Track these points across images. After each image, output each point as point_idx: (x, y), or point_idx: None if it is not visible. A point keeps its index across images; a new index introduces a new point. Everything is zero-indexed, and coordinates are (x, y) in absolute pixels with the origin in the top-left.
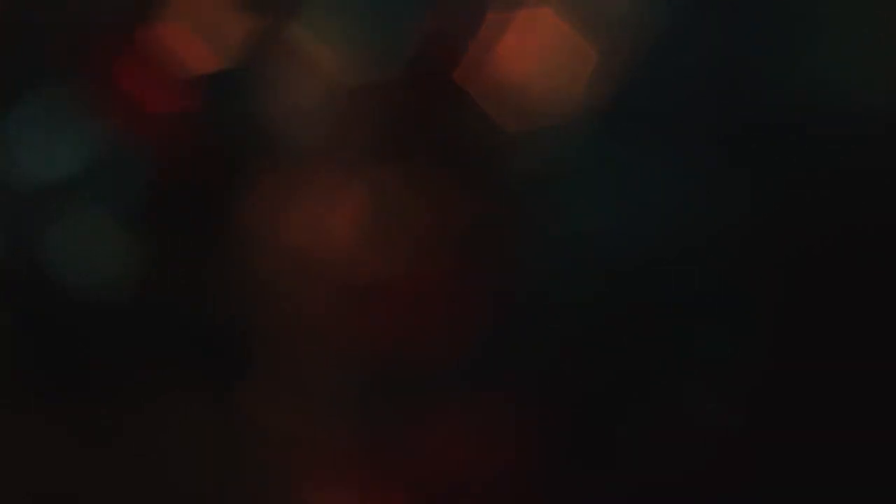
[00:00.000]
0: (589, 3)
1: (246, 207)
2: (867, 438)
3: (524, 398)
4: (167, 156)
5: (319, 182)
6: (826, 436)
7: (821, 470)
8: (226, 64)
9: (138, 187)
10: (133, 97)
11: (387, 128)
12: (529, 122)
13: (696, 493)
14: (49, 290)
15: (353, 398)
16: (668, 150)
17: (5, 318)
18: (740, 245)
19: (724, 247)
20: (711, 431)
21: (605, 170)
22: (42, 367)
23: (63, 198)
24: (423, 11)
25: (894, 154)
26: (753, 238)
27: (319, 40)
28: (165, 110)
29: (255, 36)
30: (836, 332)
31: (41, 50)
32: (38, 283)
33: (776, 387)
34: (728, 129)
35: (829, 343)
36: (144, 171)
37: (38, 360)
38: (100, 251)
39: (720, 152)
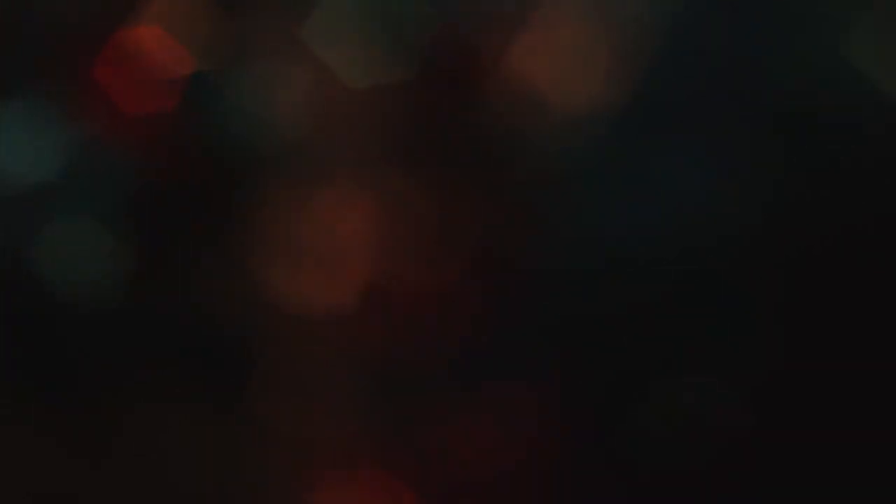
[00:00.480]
0: (602, 2)
1: (234, 209)
2: (871, 439)
3: (532, 398)
4: (152, 158)
5: (318, 182)
6: (832, 436)
7: (825, 470)
8: (207, 65)
9: (124, 189)
10: (115, 99)
11: (392, 129)
12: (542, 123)
13: (701, 493)
14: (42, 293)
15: (358, 399)
16: (683, 149)
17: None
18: (757, 242)
19: (740, 244)
20: (722, 430)
21: (619, 170)
22: (41, 371)
23: (49, 201)
24: (435, 11)
25: None
26: (773, 234)
27: (327, 41)
28: (149, 111)
29: (240, 37)
30: (852, 332)
31: (21, 53)
32: (29, 286)
33: (791, 385)
34: (743, 126)
35: (847, 341)
36: (129, 173)
37: (35, 364)
38: (88, 253)
39: (734, 150)
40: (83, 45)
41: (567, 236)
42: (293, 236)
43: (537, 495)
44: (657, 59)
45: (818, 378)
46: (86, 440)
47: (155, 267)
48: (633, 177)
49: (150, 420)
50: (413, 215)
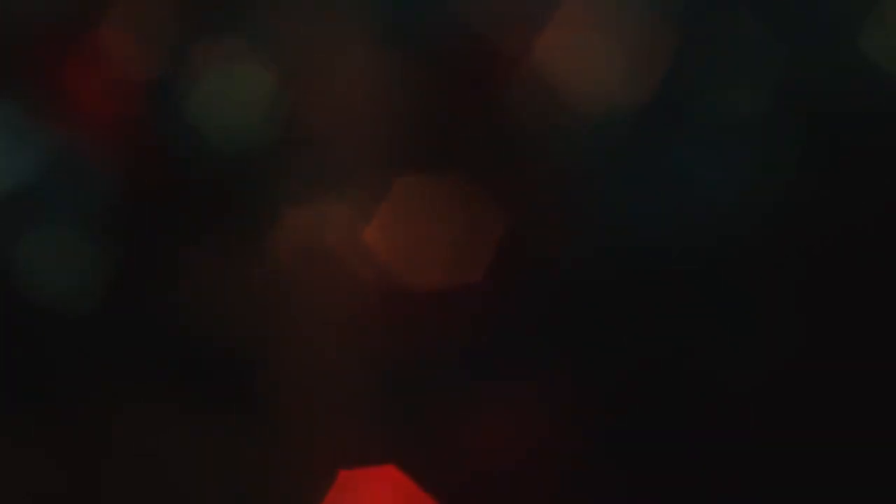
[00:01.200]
0: (620, 2)
1: (233, 209)
2: (871, 438)
3: (534, 398)
4: (135, 160)
5: (322, 182)
6: (833, 436)
7: (826, 469)
8: (187, 66)
9: (118, 191)
10: (88, 102)
11: (404, 128)
12: (561, 121)
13: (701, 493)
14: (41, 295)
15: (362, 398)
16: (688, 150)
17: None
18: (762, 243)
19: (741, 244)
20: (722, 429)
21: (623, 170)
22: (40, 372)
23: (40, 204)
24: (456, 11)
25: None
26: (778, 235)
27: (343, 42)
28: (123, 114)
29: (230, 36)
30: (855, 332)
31: None
32: (27, 289)
33: (792, 385)
34: (755, 127)
35: (850, 341)
36: (114, 175)
37: (34, 365)
38: (81, 256)
39: (742, 150)
40: (55, 48)
41: (570, 236)
42: (295, 236)
43: (540, 493)
44: (671, 60)
45: (820, 378)
46: (85, 440)
47: (153, 268)
48: (637, 177)
49: (149, 420)
50: (418, 215)
